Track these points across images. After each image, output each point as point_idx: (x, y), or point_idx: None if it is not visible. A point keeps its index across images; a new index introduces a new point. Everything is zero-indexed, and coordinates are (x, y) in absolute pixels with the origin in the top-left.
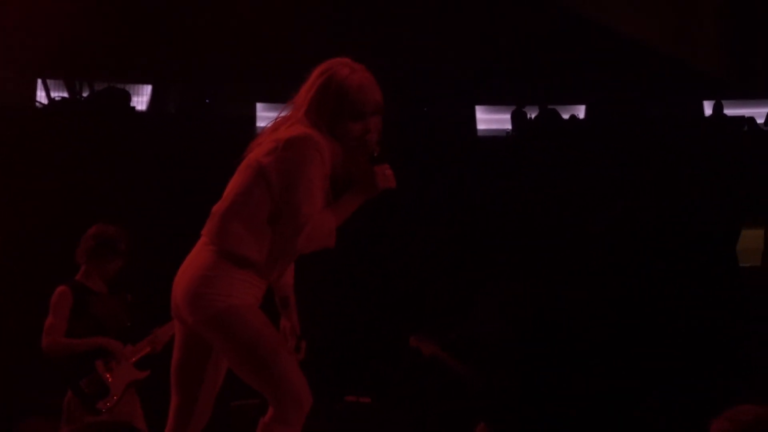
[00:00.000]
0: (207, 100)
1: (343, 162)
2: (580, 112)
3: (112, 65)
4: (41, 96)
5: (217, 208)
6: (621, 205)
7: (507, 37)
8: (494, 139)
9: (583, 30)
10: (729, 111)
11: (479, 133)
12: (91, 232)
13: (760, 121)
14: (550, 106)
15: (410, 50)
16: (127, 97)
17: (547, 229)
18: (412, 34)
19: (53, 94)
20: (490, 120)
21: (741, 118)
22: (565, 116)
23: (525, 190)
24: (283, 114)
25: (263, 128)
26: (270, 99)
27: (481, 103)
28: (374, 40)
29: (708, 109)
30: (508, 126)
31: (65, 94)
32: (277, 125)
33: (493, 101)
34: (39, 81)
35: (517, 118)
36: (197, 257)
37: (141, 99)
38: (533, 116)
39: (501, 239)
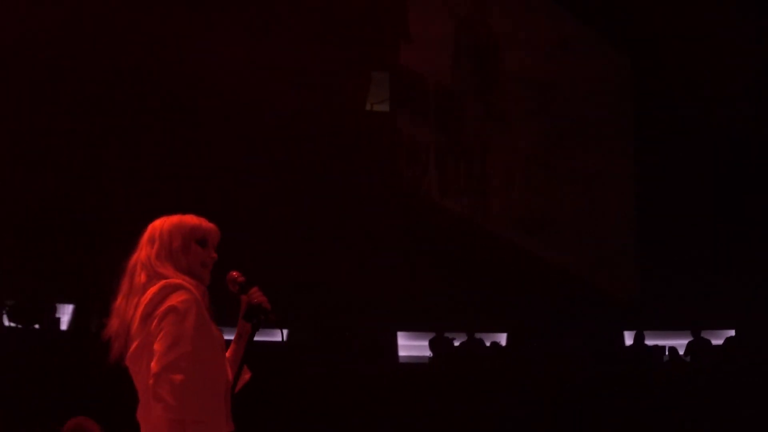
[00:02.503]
0: None
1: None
2: (502, 339)
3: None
4: None
5: (141, 408)
6: None
7: (431, 264)
8: (416, 365)
9: (509, 259)
10: (650, 341)
11: (401, 359)
12: (70, 426)
13: (682, 351)
14: (472, 333)
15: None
16: (52, 309)
17: None
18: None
19: None
20: (412, 346)
21: (661, 348)
22: (487, 343)
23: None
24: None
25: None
26: None
27: (404, 329)
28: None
29: (629, 339)
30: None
31: None
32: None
33: (416, 327)
34: None
35: (437, 344)
36: None
37: (64, 318)
38: (456, 342)
39: None
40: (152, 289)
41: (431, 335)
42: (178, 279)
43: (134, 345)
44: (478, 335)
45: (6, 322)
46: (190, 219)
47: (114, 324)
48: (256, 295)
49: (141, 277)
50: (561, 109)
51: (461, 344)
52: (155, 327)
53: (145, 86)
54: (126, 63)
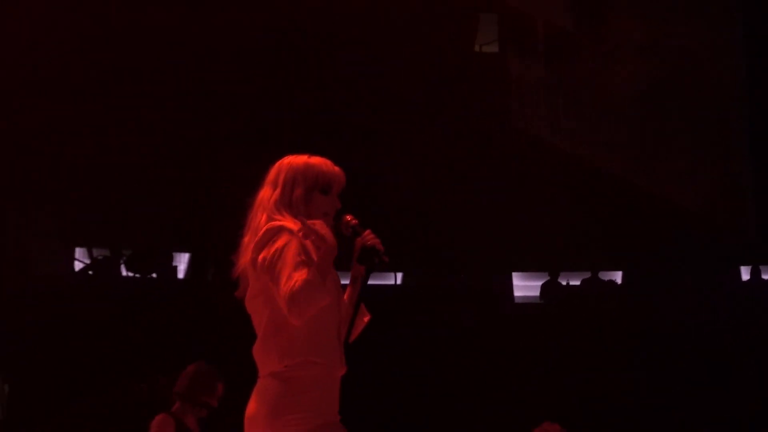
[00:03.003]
0: None
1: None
2: (618, 277)
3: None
4: (81, 254)
5: (257, 344)
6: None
7: (544, 203)
8: (531, 306)
9: (623, 196)
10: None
11: (516, 300)
12: (191, 370)
13: None
14: (588, 272)
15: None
16: (169, 257)
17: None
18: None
19: (95, 253)
20: (527, 287)
21: None
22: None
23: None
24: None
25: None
26: None
27: (519, 269)
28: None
29: (745, 274)
30: None
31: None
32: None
33: (531, 268)
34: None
35: (548, 288)
36: (263, 395)
37: (181, 267)
38: (571, 281)
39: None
40: (260, 233)
41: (546, 275)
42: (284, 221)
43: (249, 285)
44: (594, 274)
45: (124, 272)
46: (317, 164)
47: (241, 262)
48: (369, 237)
49: (261, 219)
50: (671, 43)
51: (579, 282)
52: (263, 270)
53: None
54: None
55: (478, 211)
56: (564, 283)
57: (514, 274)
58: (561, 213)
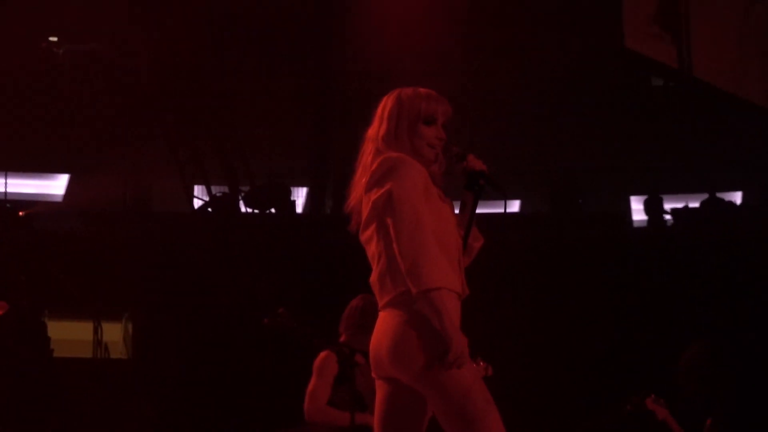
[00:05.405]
0: None
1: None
2: (737, 198)
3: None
4: (199, 191)
5: (373, 276)
6: None
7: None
8: (650, 229)
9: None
10: None
11: (635, 224)
12: (356, 303)
13: None
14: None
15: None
16: (287, 192)
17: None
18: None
19: (214, 191)
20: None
21: None
22: None
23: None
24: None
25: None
26: None
27: (637, 193)
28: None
29: None
30: (667, 215)
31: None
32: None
33: (648, 191)
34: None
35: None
36: (385, 326)
37: (298, 202)
38: (690, 205)
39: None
40: (374, 165)
41: (667, 197)
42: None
43: (363, 218)
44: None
45: (243, 208)
46: (421, 95)
47: (352, 199)
48: (472, 161)
49: (369, 156)
50: None
51: (700, 204)
52: (381, 208)
53: None
54: None
55: (595, 136)
56: (682, 205)
57: (632, 198)
58: (679, 135)
